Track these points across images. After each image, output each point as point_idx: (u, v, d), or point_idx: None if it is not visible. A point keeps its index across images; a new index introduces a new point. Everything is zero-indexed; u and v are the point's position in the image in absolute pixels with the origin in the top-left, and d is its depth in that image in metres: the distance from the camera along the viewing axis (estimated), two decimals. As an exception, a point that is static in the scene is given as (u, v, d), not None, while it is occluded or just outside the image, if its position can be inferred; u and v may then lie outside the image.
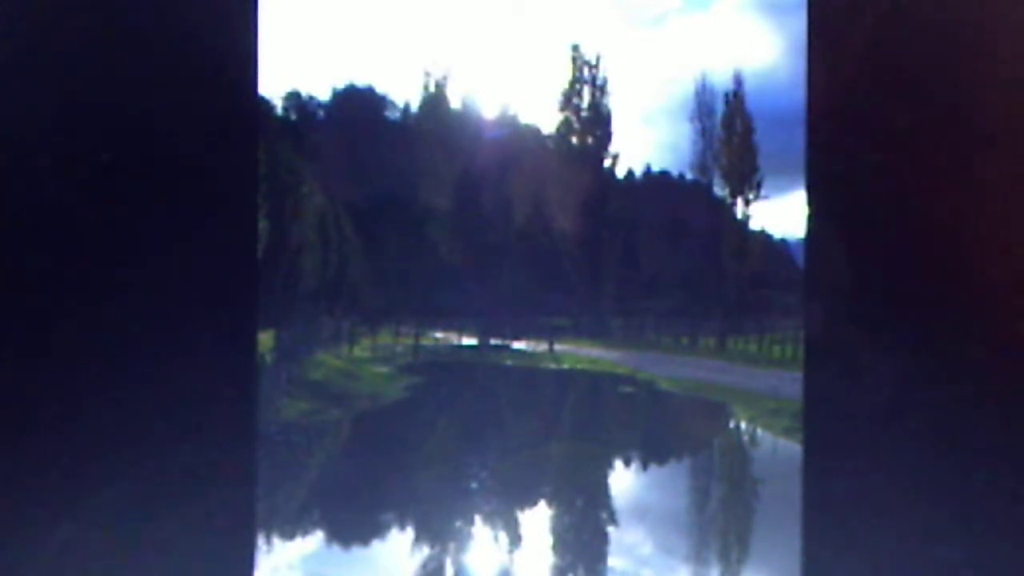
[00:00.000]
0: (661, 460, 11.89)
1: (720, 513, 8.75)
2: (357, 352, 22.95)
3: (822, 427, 0.98)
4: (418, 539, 7.32)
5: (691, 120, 35.74)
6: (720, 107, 34.97)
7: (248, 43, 0.94)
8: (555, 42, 72.93)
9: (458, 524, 7.90)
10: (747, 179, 34.23)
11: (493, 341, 28.99)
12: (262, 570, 5.99)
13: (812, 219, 0.98)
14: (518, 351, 26.96)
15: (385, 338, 27.16)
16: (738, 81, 35.07)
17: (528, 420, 14.87)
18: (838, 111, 0.96)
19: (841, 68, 0.95)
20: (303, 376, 16.52)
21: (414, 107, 39.27)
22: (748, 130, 34.38)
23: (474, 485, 9.72)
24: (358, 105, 49.30)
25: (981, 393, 0.84)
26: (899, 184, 0.91)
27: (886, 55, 0.91)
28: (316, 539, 7.47)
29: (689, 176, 38.61)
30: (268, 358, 15.59)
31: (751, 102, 37.79)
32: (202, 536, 0.90)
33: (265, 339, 16.70)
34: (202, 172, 0.91)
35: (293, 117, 41.55)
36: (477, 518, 8.17)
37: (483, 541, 7.48)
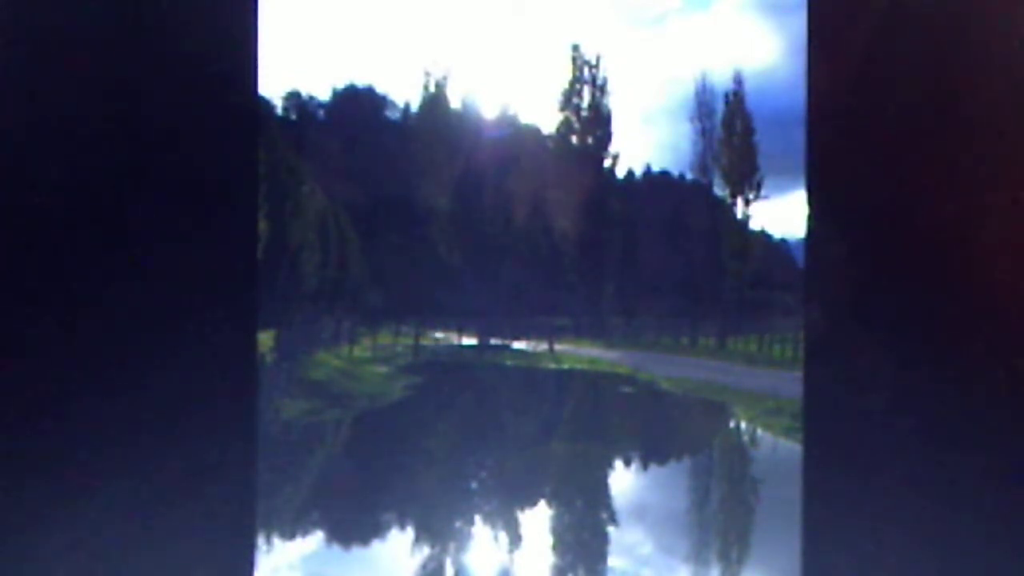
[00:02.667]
0: (661, 460, 11.89)
1: (720, 513, 8.75)
2: (357, 352, 22.94)
3: (822, 427, 0.98)
4: (418, 539, 7.32)
5: (691, 120, 35.72)
6: (720, 107, 34.96)
7: (248, 43, 0.94)
8: (555, 42, 72.77)
9: (458, 524, 7.90)
10: (747, 179, 34.22)
11: (493, 341, 29.01)
12: (262, 570, 5.99)
13: (812, 219, 0.98)
14: (518, 351, 26.96)
15: (385, 338, 27.15)
16: (738, 81, 35.06)
17: (528, 420, 14.87)
18: (838, 111, 0.96)
19: (841, 68, 0.95)
20: (303, 376, 16.52)
21: (414, 107, 39.24)
22: (748, 130, 34.37)
23: (474, 485, 9.72)
24: (358, 105, 49.28)
25: (980, 393, 0.84)
26: (899, 184, 0.91)
27: (886, 55, 0.91)
28: (316, 539, 7.46)
29: (689, 176, 38.60)
30: (268, 358, 15.59)
31: (751, 102, 37.71)
32: (202, 536, 0.90)
33: (265, 339, 16.70)
34: (202, 172, 0.91)
35: (293, 117, 41.52)
36: (477, 518, 8.17)
37: (483, 541, 7.48)
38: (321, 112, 49.17)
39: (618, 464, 11.33)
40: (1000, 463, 0.84)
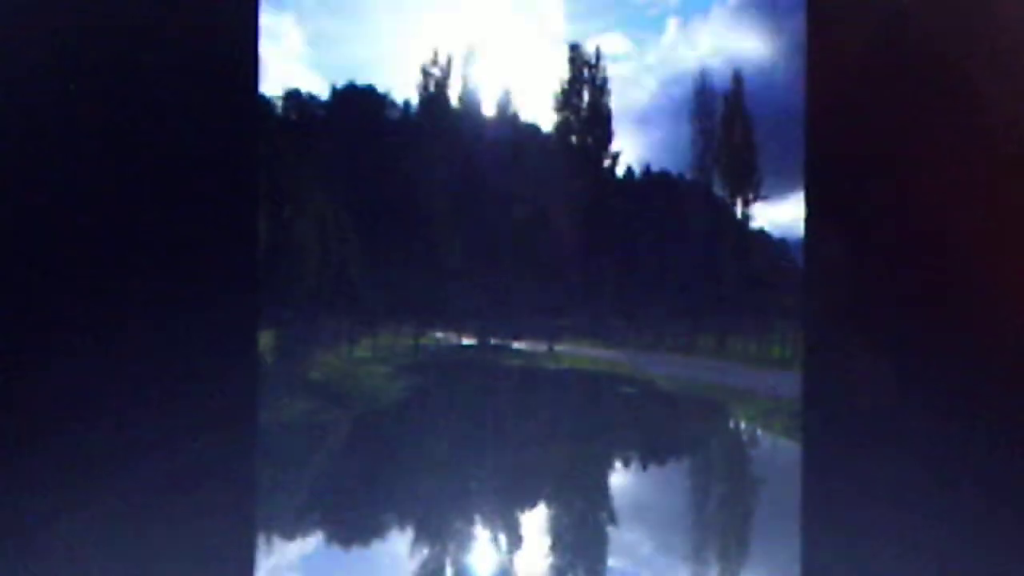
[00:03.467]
0: (661, 460, 11.89)
1: (720, 513, 8.75)
2: (357, 352, 22.94)
3: (822, 427, 0.98)
4: (418, 539, 7.32)
5: (691, 120, 35.71)
6: (720, 107, 34.94)
7: (248, 43, 0.94)
8: (555, 42, 72.66)
9: (458, 524, 7.90)
10: (747, 179, 34.22)
11: (493, 341, 29.00)
12: (262, 570, 5.99)
13: (812, 219, 0.98)
14: (518, 351, 26.97)
15: (385, 338, 27.13)
16: (738, 81, 35.04)
17: (528, 420, 14.87)
18: (838, 111, 0.96)
19: (841, 68, 0.95)
20: (303, 376, 16.52)
21: (414, 107, 39.22)
22: (748, 130, 34.35)
23: (474, 485, 9.73)
24: (358, 105, 49.22)
25: (979, 393, 0.84)
26: (898, 184, 0.91)
27: (885, 55, 0.91)
28: (316, 539, 7.46)
29: (689, 176, 38.57)
30: (268, 358, 15.59)
31: (751, 102, 37.69)
32: (202, 536, 0.90)
33: (265, 339, 16.70)
34: (202, 172, 0.91)
35: (293, 117, 41.48)
36: (477, 518, 8.17)
37: (483, 541, 7.48)
38: (321, 112, 49.10)
39: (618, 464, 11.32)
40: (999, 462, 0.84)
